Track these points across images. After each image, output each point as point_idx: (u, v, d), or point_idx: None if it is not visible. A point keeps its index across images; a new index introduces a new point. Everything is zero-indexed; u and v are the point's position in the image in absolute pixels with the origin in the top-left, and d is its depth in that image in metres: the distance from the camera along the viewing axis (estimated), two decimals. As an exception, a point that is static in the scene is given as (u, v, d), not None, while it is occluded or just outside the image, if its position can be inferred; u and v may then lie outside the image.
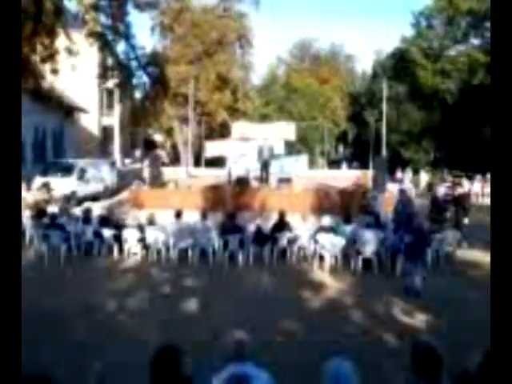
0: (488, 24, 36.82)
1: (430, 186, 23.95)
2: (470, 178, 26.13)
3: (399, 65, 44.18)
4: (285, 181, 18.62)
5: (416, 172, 31.42)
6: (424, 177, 27.82)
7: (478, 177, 25.48)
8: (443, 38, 40.17)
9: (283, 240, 10.34)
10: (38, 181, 16.16)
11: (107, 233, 10.67)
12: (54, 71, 18.68)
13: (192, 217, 11.39)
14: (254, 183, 18.12)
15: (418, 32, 42.30)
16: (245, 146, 21.20)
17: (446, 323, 6.71)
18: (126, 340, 6.18)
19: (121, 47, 33.08)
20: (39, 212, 11.48)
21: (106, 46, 28.75)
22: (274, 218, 11.32)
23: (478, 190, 23.59)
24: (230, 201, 15.24)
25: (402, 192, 12.68)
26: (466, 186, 23.88)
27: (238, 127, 23.42)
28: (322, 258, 9.93)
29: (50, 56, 17.83)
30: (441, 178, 28.54)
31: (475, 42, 39.44)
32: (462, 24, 38.89)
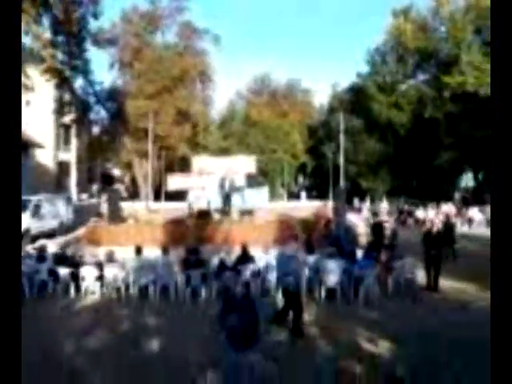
0: (432, 61, 39.17)
1: (376, 215, 24.51)
2: (423, 206, 27.06)
3: (355, 98, 45.98)
4: (247, 213, 18.62)
5: (373, 201, 32.26)
6: (385, 205, 28.44)
7: (432, 204, 26.37)
8: (395, 73, 42.31)
9: (246, 272, 10.24)
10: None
11: (63, 271, 10.25)
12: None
13: (153, 252, 11.13)
14: (216, 216, 18.01)
15: (372, 68, 44.41)
16: (206, 180, 21.15)
17: (410, 351, 6.75)
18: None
19: (79, 82, 32.76)
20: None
21: (63, 82, 28.41)
22: (237, 251, 11.23)
23: (433, 216, 24.33)
24: (192, 235, 15.04)
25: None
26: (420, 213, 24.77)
27: (199, 161, 23.41)
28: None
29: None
30: (397, 207, 29.38)
31: (423, 77, 41.76)
32: (411, 61, 41.16)
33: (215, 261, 10.70)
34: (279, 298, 9.55)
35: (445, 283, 10.56)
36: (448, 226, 14.65)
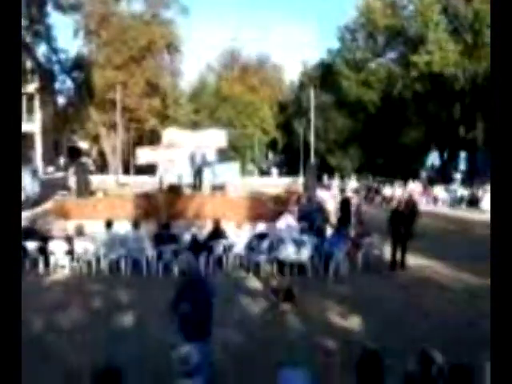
0: (401, 40, 39.40)
1: (343, 192, 24.76)
2: (390, 184, 27.58)
3: (325, 75, 45.94)
4: (218, 188, 18.55)
5: (342, 178, 32.70)
6: (353, 183, 28.84)
7: (400, 182, 26.92)
8: (365, 50, 42.35)
9: (219, 248, 10.30)
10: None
11: (31, 245, 10.02)
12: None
13: (123, 226, 11.01)
14: (187, 190, 17.87)
15: (343, 44, 44.27)
16: (177, 153, 20.87)
17: (378, 324, 7.00)
18: (56, 362, 5.80)
19: (41, 49, 31.36)
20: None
21: (24, 48, 27.13)
22: (209, 226, 11.24)
23: (400, 194, 24.91)
24: (163, 209, 14.90)
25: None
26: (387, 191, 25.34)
27: (169, 134, 23.01)
28: (257, 264, 9.99)
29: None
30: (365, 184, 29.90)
31: (392, 55, 42.01)
32: (380, 39, 41.26)
33: (187, 236, 10.69)
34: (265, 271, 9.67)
35: (410, 260, 10.87)
36: (410, 204, 14.86)
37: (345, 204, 16.39)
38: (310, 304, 7.96)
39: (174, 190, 17.20)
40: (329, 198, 19.56)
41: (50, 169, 37.87)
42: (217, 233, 10.63)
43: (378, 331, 6.60)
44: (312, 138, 35.53)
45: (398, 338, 6.28)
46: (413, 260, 10.87)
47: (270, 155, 62.05)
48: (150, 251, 10.01)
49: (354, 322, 7.14)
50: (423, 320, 7.19)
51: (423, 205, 20.94)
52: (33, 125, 39.78)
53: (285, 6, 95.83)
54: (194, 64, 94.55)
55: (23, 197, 17.93)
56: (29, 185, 18.68)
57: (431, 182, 29.37)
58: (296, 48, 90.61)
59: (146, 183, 21.10)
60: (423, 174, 32.68)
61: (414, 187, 25.27)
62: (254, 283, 9.33)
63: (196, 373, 3.13)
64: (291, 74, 63.74)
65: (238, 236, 10.69)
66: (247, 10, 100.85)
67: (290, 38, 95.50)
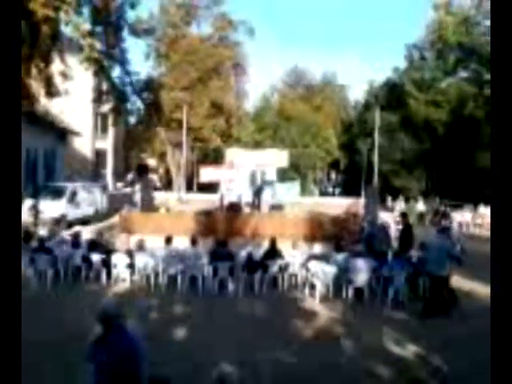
0: (475, 57, 37.79)
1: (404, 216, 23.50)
2: (459, 208, 26.08)
3: (391, 95, 44.95)
4: (277, 207, 18.59)
5: (407, 200, 31.44)
6: (420, 206, 27.40)
7: (470, 206, 25.49)
8: (434, 69, 41.08)
9: (274, 267, 10.24)
10: (27, 203, 15.97)
11: (96, 257, 10.51)
12: (50, 94, 18.71)
13: (183, 242, 11.28)
14: (246, 209, 18.07)
15: (410, 63, 43.24)
16: (238, 172, 21.23)
17: (436, 355, 6.59)
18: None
19: (116, 72, 33.33)
20: (26, 235, 11.29)
21: (101, 71, 28.99)
22: (265, 245, 11.23)
23: (469, 219, 23.61)
24: (221, 227, 15.14)
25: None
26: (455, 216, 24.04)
27: (232, 153, 23.50)
28: (313, 286, 9.81)
29: (46, 80, 17.90)
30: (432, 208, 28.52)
31: (464, 74, 40.36)
32: (451, 57, 39.83)
33: (243, 254, 10.74)
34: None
35: (478, 289, 10.19)
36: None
37: (407, 229, 15.71)
38: (365, 329, 7.67)
39: (234, 209, 17.47)
40: (391, 220, 18.93)
41: (119, 184, 39.87)
42: (273, 252, 10.58)
43: (437, 363, 6.22)
44: (376, 158, 34.79)
45: (460, 370, 5.86)
46: (482, 289, 10.11)
47: (333, 175, 61.39)
48: (206, 268, 10.15)
49: (411, 351, 6.76)
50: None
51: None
52: (105, 142, 42.25)
53: (351, 25, 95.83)
54: (256, 83, 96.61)
55: (92, 210, 18.98)
56: (98, 199, 19.76)
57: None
58: (362, 67, 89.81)
59: (208, 201, 21.60)
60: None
61: (485, 211, 23.81)
62: (309, 304, 9.15)
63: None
64: (356, 94, 63.37)
65: (294, 256, 10.59)
66: (312, 29, 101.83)
67: (356, 56, 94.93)
